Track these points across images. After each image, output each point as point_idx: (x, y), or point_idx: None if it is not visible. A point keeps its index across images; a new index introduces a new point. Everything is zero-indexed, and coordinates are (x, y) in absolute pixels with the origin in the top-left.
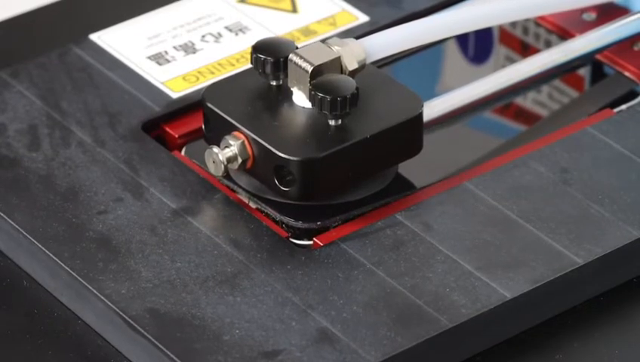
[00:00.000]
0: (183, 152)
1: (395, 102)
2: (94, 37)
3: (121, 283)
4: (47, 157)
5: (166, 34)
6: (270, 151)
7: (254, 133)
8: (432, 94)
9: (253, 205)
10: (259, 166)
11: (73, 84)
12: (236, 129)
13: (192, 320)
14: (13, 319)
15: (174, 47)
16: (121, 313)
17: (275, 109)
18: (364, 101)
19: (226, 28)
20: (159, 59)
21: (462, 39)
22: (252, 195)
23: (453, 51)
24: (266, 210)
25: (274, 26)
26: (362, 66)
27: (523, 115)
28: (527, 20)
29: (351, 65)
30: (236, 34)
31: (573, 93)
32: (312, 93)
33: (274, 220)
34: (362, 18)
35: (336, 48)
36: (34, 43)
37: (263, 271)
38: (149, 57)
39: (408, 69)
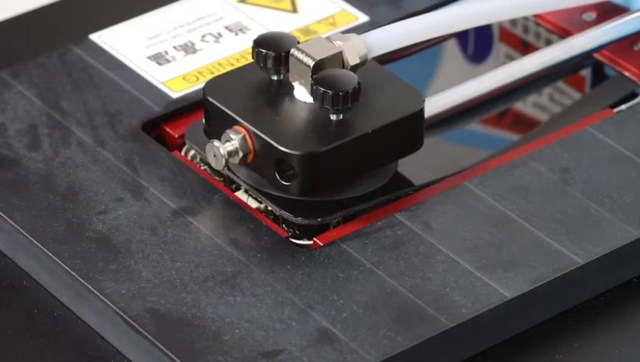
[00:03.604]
0: (185, 133)
1: (396, 97)
2: (94, 37)
3: (121, 283)
4: (47, 157)
5: (166, 34)
6: (271, 145)
7: (255, 127)
8: (431, 93)
9: (253, 204)
10: (260, 160)
11: (73, 84)
12: (237, 123)
13: (192, 320)
14: (14, 319)
15: (174, 47)
16: (121, 313)
17: (277, 104)
18: (365, 96)
19: (226, 28)
20: (159, 59)
21: (462, 39)
22: (252, 188)
23: (452, 51)
24: (266, 204)
25: (274, 25)
26: (364, 62)
27: (524, 118)
28: (527, 20)
29: (352, 60)
30: (236, 34)
31: (575, 95)
32: (314, 87)
33: (274, 219)
34: (362, 18)
35: (337, 43)
36: (34, 43)
37: (263, 271)
38: (149, 57)
39: (407, 67)
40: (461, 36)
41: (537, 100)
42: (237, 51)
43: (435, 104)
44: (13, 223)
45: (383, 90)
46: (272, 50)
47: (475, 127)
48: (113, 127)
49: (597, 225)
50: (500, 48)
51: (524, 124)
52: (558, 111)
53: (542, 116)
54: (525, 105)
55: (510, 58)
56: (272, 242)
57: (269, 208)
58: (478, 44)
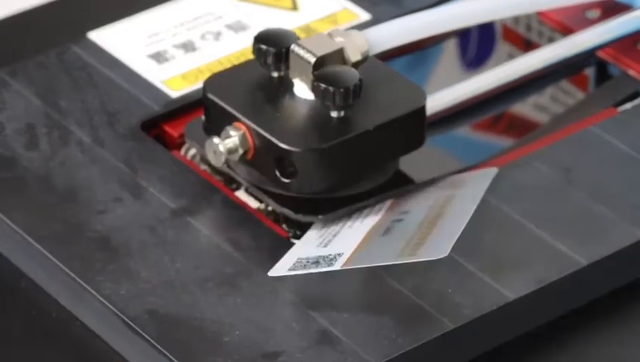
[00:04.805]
0: (185, 130)
1: (397, 94)
2: (93, 35)
3: (120, 283)
4: (46, 156)
5: (165, 32)
6: (271, 142)
7: (255, 124)
8: (430, 91)
9: (253, 204)
10: (260, 157)
11: (72, 83)
12: (237, 120)
13: (192, 322)
14: (12, 320)
15: (174, 46)
16: (120, 314)
17: (277, 101)
18: (366, 93)
19: (226, 26)
20: (158, 57)
21: (464, 37)
22: (252, 186)
23: (453, 50)
24: (266, 203)
25: (274, 24)
26: (365, 58)
27: (527, 117)
28: (529, 20)
29: (354, 56)
30: (236, 32)
31: (578, 94)
32: (315, 84)
33: (274, 219)
34: (364, 16)
35: (338, 39)
36: (32, 42)
37: (263, 271)
38: (149, 56)
39: (407, 66)
40: (463, 34)
41: (540, 99)
42: (237, 50)
43: (437, 101)
44: (11, 223)
45: (385, 87)
46: (273, 47)
47: (476, 126)
48: (112, 127)
49: (601, 226)
50: (502, 47)
51: (526, 124)
52: (561, 110)
53: (544, 115)
54: (528, 105)
55: (512, 57)
56: (272, 242)
57: (270, 208)
58: (480, 42)
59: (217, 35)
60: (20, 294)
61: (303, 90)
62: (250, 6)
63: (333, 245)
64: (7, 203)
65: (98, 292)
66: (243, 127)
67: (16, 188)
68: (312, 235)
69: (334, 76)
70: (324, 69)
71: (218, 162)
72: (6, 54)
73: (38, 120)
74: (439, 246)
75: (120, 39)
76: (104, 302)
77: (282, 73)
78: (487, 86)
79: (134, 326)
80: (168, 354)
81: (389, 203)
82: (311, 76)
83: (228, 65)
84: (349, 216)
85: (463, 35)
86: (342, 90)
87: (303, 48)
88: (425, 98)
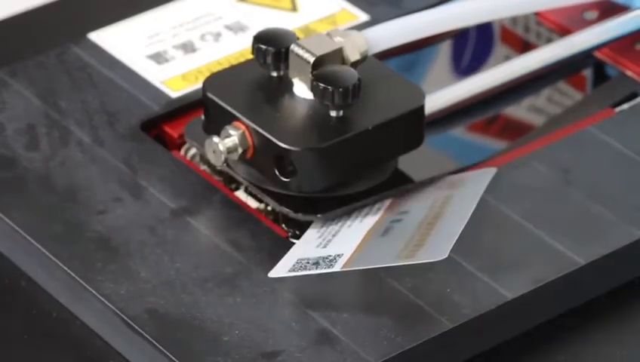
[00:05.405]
0: (185, 130)
1: (396, 93)
2: (93, 36)
3: (120, 283)
4: (46, 156)
5: (165, 33)
6: (271, 141)
7: (255, 123)
8: (427, 91)
9: (252, 204)
10: (259, 156)
11: (72, 84)
12: (237, 119)
13: (192, 321)
14: (12, 320)
15: (174, 47)
16: (120, 313)
17: (276, 100)
18: (365, 92)
19: (226, 27)
20: (158, 58)
21: (461, 42)
22: (252, 185)
23: (449, 55)
24: (265, 203)
25: (274, 24)
26: (364, 58)
27: (525, 118)
28: (528, 20)
29: (353, 56)
30: (236, 33)
31: (576, 95)
32: (314, 83)
33: (273, 219)
34: (362, 17)
35: (338, 39)
36: (32, 42)
37: (262, 271)
38: (148, 56)
39: (401, 68)
40: (461, 35)
41: (538, 100)
42: (236, 50)
43: (436, 101)
44: (11, 223)
45: (384, 87)
46: (272, 46)
47: (475, 127)
48: (112, 127)
49: (598, 225)
50: (500, 48)
51: (525, 124)
52: (559, 111)
53: (543, 116)
54: (526, 105)
55: (510, 58)
56: (272, 242)
57: (269, 207)
58: (478, 43)
59: (217, 36)
60: (20, 294)
61: (302, 89)
62: (250, 7)
63: (333, 245)
64: (7, 203)
65: (98, 292)
66: (242, 127)
67: (16, 188)
68: (311, 235)
69: (333, 76)
70: (323, 69)
71: (218, 161)
72: (6, 54)
73: (38, 120)
74: (438, 248)
75: (120, 40)
76: (104, 301)
77: (281, 73)
78: (485, 86)
79: (134, 325)
80: (168, 354)
81: (387, 202)
82: (310, 76)
83: (227, 66)
84: (348, 215)
85: (461, 36)
86: (341, 89)
87: (303, 48)
88: (424, 97)
